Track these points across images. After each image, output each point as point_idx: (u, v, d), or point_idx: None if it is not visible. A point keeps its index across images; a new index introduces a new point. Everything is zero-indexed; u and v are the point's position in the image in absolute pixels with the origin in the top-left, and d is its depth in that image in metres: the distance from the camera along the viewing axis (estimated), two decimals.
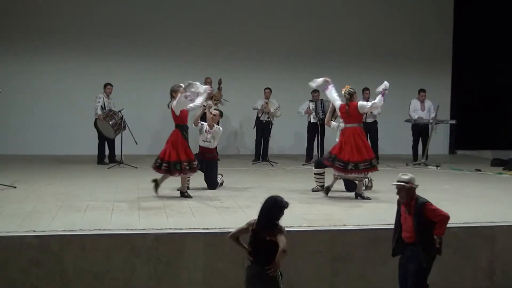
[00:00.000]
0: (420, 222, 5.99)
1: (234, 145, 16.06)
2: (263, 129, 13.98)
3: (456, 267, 7.52)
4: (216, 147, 10.56)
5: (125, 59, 15.07)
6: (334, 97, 9.75)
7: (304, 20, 15.99)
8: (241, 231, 5.73)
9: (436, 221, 5.99)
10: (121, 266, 6.84)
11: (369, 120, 13.86)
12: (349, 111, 9.51)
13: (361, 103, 9.73)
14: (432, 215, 6.00)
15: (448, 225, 7.62)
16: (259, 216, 5.60)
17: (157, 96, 15.04)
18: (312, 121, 14.01)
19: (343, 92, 9.61)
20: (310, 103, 14.05)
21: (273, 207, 5.56)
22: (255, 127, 14.11)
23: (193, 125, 10.06)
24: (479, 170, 13.21)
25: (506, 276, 7.63)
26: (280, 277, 5.56)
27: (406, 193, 6.09)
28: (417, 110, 14.44)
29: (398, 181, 6.14)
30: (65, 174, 11.63)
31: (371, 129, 13.97)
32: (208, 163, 10.16)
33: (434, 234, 6.00)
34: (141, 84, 15.07)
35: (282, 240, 5.42)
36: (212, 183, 10.19)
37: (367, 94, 13.97)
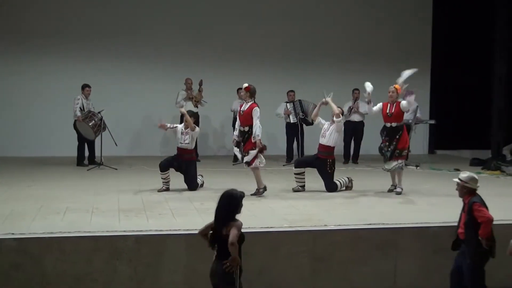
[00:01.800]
0: (469, 220, 6.20)
1: (214, 146, 16.04)
2: None
3: (437, 267, 7.55)
4: (196, 148, 10.54)
5: (104, 61, 15.00)
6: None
7: (286, 22, 15.99)
8: (209, 227, 5.73)
9: (479, 222, 6.15)
10: (101, 268, 6.80)
11: (356, 119, 13.92)
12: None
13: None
14: (477, 216, 6.18)
15: (428, 225, 7.73)
16: (215, 214, 5.60)
17: (136, 97, 15.08)
18: (292, 121, 14.01)
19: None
20: (288, 104, 14.05)
21: (230, 202, 5.58)
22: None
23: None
24: (458, 170, 13.26)
25: (486, 275, 7.67)
26: (238, 272, 5.54)
27: (460, 190, 6.37)
28: None
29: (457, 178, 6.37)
30: (44, 176, 11.54)
31: (357, 128, 14.02)
32: (187, 164, 10.11)
33: (479, 234, 6.14)
34: (120, 85, 15.02)
35: (232, 233, 5.41)
36: (192, 184, 10.15)
37: (356, 94, 14.05)
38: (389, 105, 9.93)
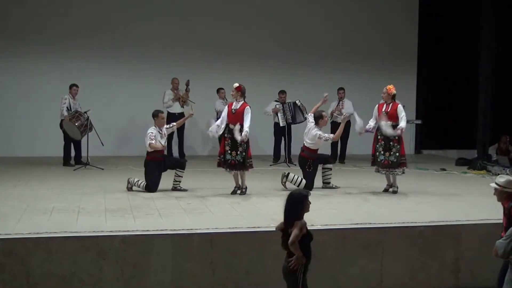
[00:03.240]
0: (510, 224, 6.03)
1: (199, 146, 16.00)
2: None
3: (422, 266, 7.59)
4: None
5: (90, 60, 14.94)
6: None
7: (273, 22, 16.01)
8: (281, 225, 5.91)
9: None
10: (88, 269, 6.77)
11: (339, 120, 13.91)
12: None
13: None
14: None
15: (414, 224, 7.76)
16: (284, 215, 5.75)
17: (123, 97, 15.04)
18: (281, 124, 13.95)
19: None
20: (277, 104, 14.03)
21: (294, 201, 5.74)
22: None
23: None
24: (444, 170, 13.37)
25: (472, 274, 7.72)
26: (302, 270, 5.69)
27: (499, 195, 6.17)
28: None
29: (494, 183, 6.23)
30: (30, 176, 11.49)
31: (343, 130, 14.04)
32: (164, 162, 10.10)
33: None
34: (107, 85, 14.98)
35: (293, 233, 5.56)
36: (179, 160, 10.48)
37: (341, 94, 14.07)
38: (385, 105, 9.98)
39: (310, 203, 5.75)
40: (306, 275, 5.74)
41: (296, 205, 5.71)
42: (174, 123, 10.50)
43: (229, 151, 9.56)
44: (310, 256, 5.74)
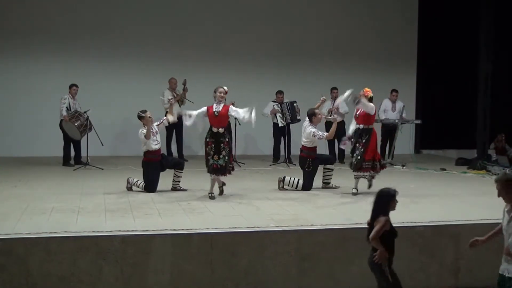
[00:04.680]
0: None
1: (200, 146, 15.97)
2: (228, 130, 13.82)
3: (422, 265, 7.59)
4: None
5: (90, 60, 14.93)
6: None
7: (271, 21, 16.00)
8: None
9: None
10: (87, 269, 6.77)
11: (337, 119, 13.90)
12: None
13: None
14: None
15: (413, 224, 7.76)
16: (372, 209, 5.96)
17: (123, 97, 15.02)
18: (280, 125, 13.94)
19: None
20: (275, 105, 14.04)
21: (381, 198, 5.95)
22: None
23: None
24: (444, 169, 13.37)
25: (471, 274, 7.72)
26: (387, 264, 5.87)
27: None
28: (388, 111, 14.59)
29: None
30: (30, 176, 11.49)
31: (338, 129, 14.01)
32: (161, 162, 10.10)
33: None
34: (106, 85, 14.97)
35: (374, 228, 5.80)
36: (178, 160, 10.61)
37: (335, 94, 14.06)
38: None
39: (397, 201, 5.94)
40: (392, 267, 5.94)
41: (382, 201, 5.92)
42: (165, 118, 10.44)
43: (211, 155, 9.32)
44: (393, 252, 5.94)
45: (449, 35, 16.74)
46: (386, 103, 14.63)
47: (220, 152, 9.28)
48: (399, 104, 14.67)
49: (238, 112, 9.40)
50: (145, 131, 9.69)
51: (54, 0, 14.92)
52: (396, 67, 16.60)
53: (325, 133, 10.34)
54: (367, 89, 9.94)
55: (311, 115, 10.26)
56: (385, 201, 5.91)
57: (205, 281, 7.01)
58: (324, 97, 10.36)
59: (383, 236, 5.79)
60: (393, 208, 5.92)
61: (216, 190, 9.58)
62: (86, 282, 6.78)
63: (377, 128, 14.38)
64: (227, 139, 9.35)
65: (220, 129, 9.37)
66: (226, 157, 9.31)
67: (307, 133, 10.17)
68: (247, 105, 9.58)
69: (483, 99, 14.66)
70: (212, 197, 9.37)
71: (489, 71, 14.60)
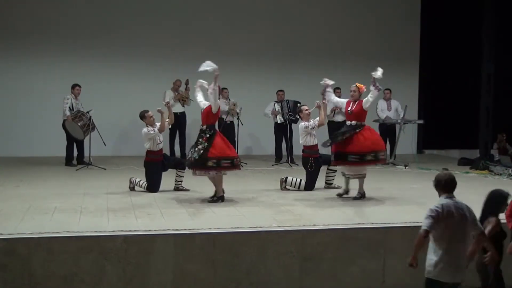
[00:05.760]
0: None
1: None
2: (228, 130, 13.80)
3: (424, 265, 7.57)
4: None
5: (92, 60, 14.94)
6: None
7: (272, 22, 16.00)
8: None
9: None
10: (90, 269, 6.78)
11: (340, 119, 13.92)
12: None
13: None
14: None
15: (416, 224, 7.73)
16: (483, 208, 6.09)
17: (125, 96, 15.03)
18: (279, 121, 13.98)
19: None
20: (276, 104, 14.04)
21: (492, 199, 6.09)
22: (221, 129, 14.05)
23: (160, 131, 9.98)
24: (446, 169, 13.29)
25: (471, 274, 7.71)
26: (494, 266, 5.99)
27: None
28: (384, 110, 14.58)
29: None
30: (32, 176, 11.50)
31: (341, 128, 14.01)
32: (162, 163, 10.12)
33: None
34: (109, 85, 14.99)
35: (487, 229, 5.88)
36: (180, 161, 10.62)
37: (337, 93, 14.04)
38: (351, 103, 9.81)
39: (507, 205, 6.01)
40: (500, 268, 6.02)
41: (493, 202, 6.03)
42: (167, 120, 10.44)
43: (192, 149, 9.25)
44: (502, 254, 5.97)
45: (451, 35, 16.72)
46: (381, 103, 14.60)
47: (197, 145, 9.15)
48: (394, 103, 14.66)
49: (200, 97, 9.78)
50: (152, 132, 9.72)
51: (56, 0, 14.93)
52: (398, 67, 16.57)
53: (316, 120, 10.17)
54: (361, 85, 9.81)
55: (299, 112, 10.44)
56: (495, 203, 5.99)
57: (207, 281, 7.01)
58: (318, 102, 10.17)
59: (492, 237, 5.80)
60: (502, 211, 5.97)
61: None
62: (88, 282, 6.78)
63: (376, 128, 14.44)
64: (207, 135, 9.23)
65: (204, 126, 9.32)
66: (202, 151, 9.02)
67: (301, 129, 10.20)
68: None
69: (485, 99, 14.66)
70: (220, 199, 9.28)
71: (491, 71, 14.60)
